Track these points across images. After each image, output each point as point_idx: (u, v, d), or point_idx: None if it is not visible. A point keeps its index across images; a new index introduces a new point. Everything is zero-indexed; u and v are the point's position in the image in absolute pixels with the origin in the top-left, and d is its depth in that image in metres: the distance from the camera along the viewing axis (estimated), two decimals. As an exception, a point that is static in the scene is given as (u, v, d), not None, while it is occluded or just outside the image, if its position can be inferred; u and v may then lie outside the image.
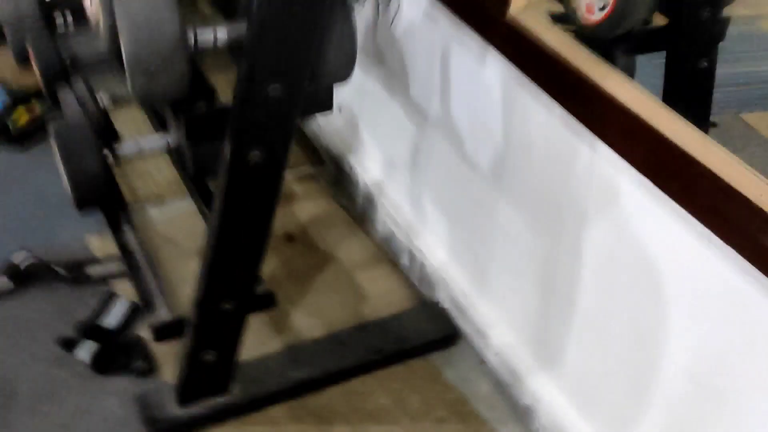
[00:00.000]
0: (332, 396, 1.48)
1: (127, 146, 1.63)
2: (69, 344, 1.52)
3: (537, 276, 1.36)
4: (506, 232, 1.40)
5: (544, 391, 1.38)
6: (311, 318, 1.62)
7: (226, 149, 1.12)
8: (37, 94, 2.07)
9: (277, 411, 1.44)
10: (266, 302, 1.37)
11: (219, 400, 1.40)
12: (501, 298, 1.48)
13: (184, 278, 1.63)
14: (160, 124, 1.95)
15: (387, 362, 1.53)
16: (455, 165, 1.50)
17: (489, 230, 1.46)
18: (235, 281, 1.26)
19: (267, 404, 1.44)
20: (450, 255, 1.61)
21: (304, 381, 1.47)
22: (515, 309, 1.44)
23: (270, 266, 1.67)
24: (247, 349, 1.41)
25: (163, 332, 1.38)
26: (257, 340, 1.53)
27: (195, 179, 1.72)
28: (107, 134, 1.63)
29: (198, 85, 1.16)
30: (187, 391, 1.37)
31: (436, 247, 1.64)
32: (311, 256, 1.78)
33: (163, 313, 1.46)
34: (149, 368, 1.49)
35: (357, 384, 1.50)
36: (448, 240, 1.60)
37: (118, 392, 1.46)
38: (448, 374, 1.53)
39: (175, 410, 1.39)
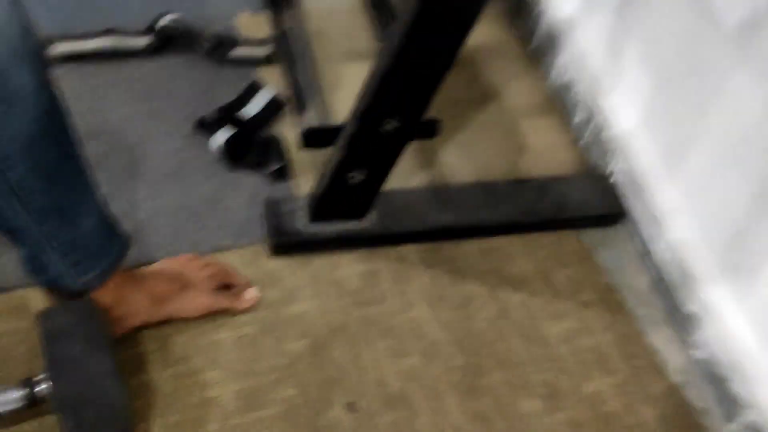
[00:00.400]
0: (470, 249, 1.32)
1: None
2: (204, 126, 1.40)
3: (758, 169, 1.12)
4: (732, 109, 1.15)
5: (720, 304, 1.19)
6: (462, 160, 1.44)
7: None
8: None
9: (409, 250, 1.30)
10: (430, 130, 1.20)
11: (351, 226, 1.27)
12: (695, 187, 1.25)
13: (337, 80, 1.46)
14: None
15: (539, 227, 1.35)
16: (686, 14, 1.22)
17: (707, 103, 1.20)
18: (406, 99, 1.08)
19: (400, 241, 1.30)
20: (640, 123, 1.37)
21: (445, 226, 1.31)
22: (710, 203, 1.22)
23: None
24: (389, 180, 1.24)
25: (312, 138, 1.23)
26: (400, 173, 1.36)
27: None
28: None
29: None
30: (322, 207, 1.23)
31: (624, 110, 1.40)
32: (473, 89, 1.56)
33: (313, 116, 1.30)
34: (284, 172, 1.36)
35: (500, 243, 1.33)
36: (644, 105, 1.36)
37: (246, 190, 1.34)
38: (604, 257, 1.34)
39: (303, 224, 1.26)
